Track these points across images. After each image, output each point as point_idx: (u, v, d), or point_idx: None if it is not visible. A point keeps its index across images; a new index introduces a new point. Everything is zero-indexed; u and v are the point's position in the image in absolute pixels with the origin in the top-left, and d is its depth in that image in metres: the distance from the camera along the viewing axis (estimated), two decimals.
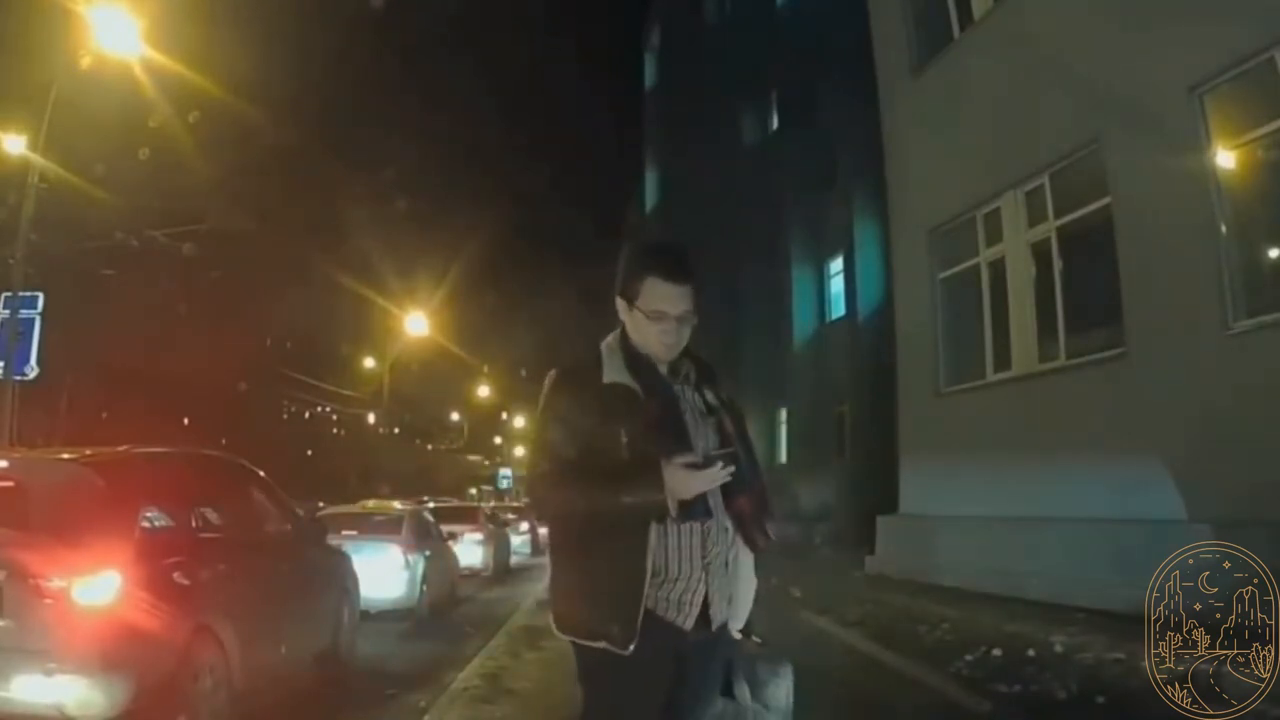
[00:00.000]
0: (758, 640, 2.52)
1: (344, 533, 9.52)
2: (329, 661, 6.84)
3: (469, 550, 16.72)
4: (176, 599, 4.68)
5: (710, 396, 2.38)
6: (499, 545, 18.41)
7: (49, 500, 4.56)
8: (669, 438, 2.20)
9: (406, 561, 10.29)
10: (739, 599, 2.41)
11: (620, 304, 2.34)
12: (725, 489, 2.32)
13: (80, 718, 4.17)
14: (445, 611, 11.48)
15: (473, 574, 16.33)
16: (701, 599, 2.27)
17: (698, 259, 2.43)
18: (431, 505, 17.67)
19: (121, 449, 5.36)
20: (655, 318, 2.28)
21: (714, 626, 2.29)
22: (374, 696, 6.30)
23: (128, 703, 4.24)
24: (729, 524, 2.34)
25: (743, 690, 2.44)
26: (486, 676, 6.66)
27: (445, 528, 15.17)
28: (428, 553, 11.02)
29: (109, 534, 4.43)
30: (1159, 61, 7.83)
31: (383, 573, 9.72)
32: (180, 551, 4.90)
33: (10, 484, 4.64)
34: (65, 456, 5.10)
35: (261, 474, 6.62)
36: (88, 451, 5.23)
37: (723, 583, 2.31)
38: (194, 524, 5.31)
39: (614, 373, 2.29)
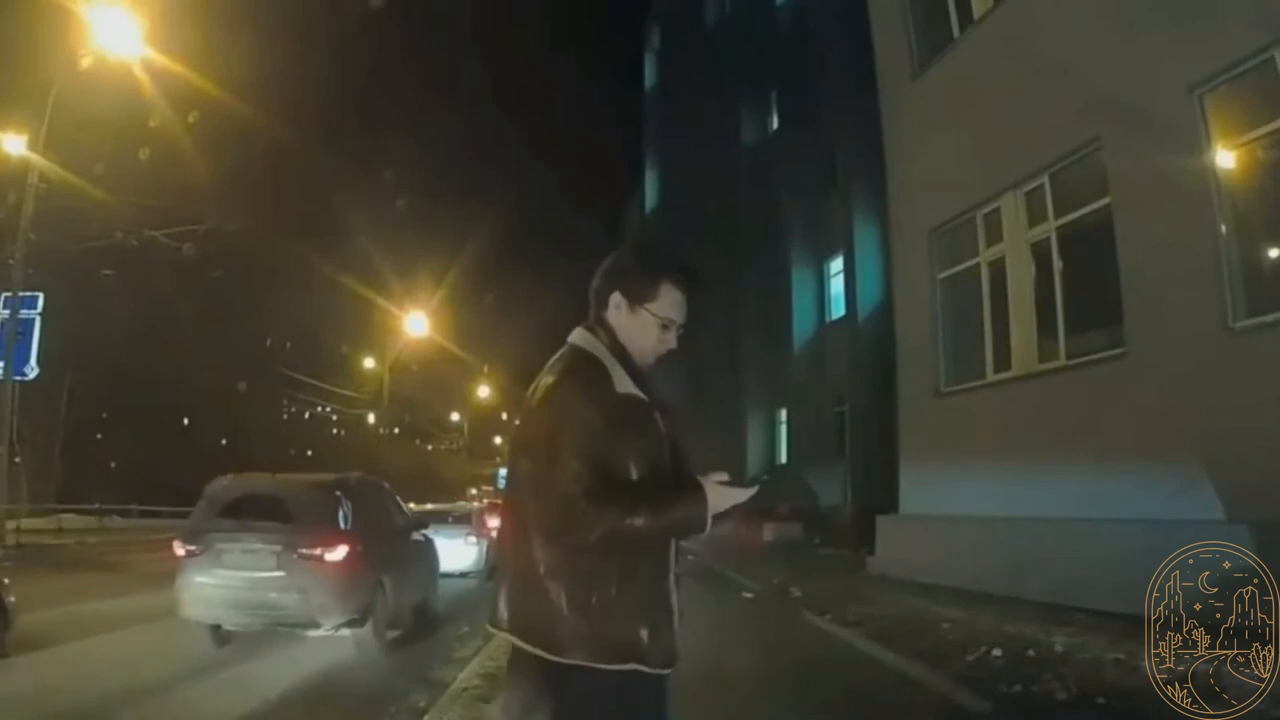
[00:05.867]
0: None
1: (438, 523, 13.55)
2: (423, 611, 10.06)
3: None
4: (369, 562, 8.14)
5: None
6: None
7: (303, 505, 8.13)
8: (677, 451, 2.18)
9: (477, 541, 15.33)
10: None
11: (618, 300, 2.22)
12: None
13: (326, 624, 7.71)
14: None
15: None
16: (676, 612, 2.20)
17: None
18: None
19: (334, 475, 9.23)
20: (665, 325, 2.23)
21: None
22: (374, 696, 6.30)
23: (348, 615, 7.77)
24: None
25: None
26: (486, 676, 6.65)
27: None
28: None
29: (337, 524, 8.03)
30: (1159, 61, 7.84)
31: (461, 548, 14.96)
32: (367, 535, 8.29)
33: (281, 496, 8.29)
34: (311, 479, 9.10)
35: (390, 487, 10.32)
36: (322, 476, 9.55)
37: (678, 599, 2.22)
38: (369, 518, 8.60)
39: (623, 383, 2.16)
